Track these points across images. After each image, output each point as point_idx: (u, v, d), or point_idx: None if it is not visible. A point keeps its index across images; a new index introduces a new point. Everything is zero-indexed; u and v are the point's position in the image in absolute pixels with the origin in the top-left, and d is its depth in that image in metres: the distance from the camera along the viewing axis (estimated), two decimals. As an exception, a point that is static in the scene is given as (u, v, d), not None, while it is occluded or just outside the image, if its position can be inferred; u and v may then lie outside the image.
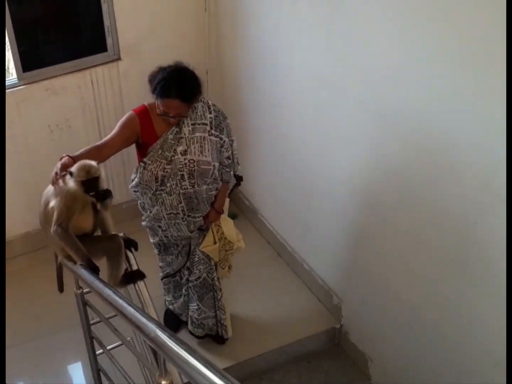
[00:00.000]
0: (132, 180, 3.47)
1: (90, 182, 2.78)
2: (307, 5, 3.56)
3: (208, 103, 3.35)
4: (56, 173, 2.87)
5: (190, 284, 3.74)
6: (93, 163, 2.83)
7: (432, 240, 3.12)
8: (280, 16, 3.84)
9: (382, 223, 3.46)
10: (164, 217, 3.46)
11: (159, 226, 3.52)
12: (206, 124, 3.31)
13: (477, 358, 3.01)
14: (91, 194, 2.79)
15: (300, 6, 3.62)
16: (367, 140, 3.38)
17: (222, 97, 4.69)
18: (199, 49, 4.69)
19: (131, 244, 3.07)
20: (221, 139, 3.36)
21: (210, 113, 3.32)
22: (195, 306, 3.79)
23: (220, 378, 1.67)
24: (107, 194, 2.85)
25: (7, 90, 4.24)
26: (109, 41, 4.45)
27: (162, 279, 3.88)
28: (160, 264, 3.81)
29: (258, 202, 4.81)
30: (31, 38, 4.27)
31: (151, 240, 3.69)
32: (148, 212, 3.51)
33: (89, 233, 2.95)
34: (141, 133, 3.30)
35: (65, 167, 2.86)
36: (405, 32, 2.92)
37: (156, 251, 3.75)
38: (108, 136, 3.27)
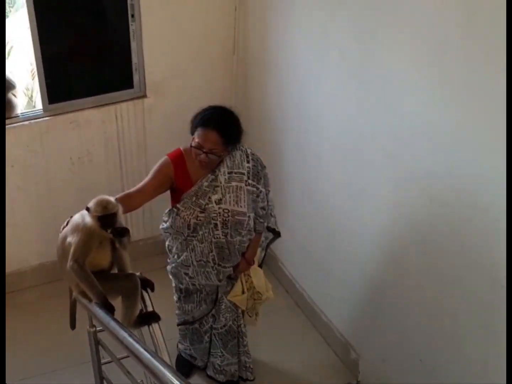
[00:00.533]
0: (164, 222, 3.42)
1: (107, 218, 2.75)
2: (338, 56, 3.53)
3: (246, 151, 3.27)
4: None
5: (215, 332, 3.64)
6: (111, 198, 2.81)
7: (457, 300, 3.02)
8: (310, 64, 3.81)
9: (405, 279, 3.37)
10: (193, 264, 3.37)
11: (186, 273, 3.43)
12: (243, 174, 3.22)
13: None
14: (108, 230, 2.75)
15: (331, 57, 3.59)
16: (393, 194, 3.32)
17: (248, 140, 4.64)
18: (226, 91, 4.68)
19: (147, 284, 3.03)
20: (257, 188, 3.27)
21: (248, 162, 3.24)
22: (218, 352, 3.70)
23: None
24: (124, 231, 2.81)
25: (32, 121, 4.23)
26: (135, 78, 4.45)
27: (178, 325, 3.75)
28: (177, 312, 3.69)
29: (279, 250, 4.72)
30: (58, 70, 4.27)
31: (173, 284, 3.59)
32: (176, 256, 3.43)
33: (106, 270, 2.90)
34: (175, 179, 3.25)
35: None
36: (437, 90, 2.87)
37: (175, 297, 3.63)
38: (142, 183, 3.24)
